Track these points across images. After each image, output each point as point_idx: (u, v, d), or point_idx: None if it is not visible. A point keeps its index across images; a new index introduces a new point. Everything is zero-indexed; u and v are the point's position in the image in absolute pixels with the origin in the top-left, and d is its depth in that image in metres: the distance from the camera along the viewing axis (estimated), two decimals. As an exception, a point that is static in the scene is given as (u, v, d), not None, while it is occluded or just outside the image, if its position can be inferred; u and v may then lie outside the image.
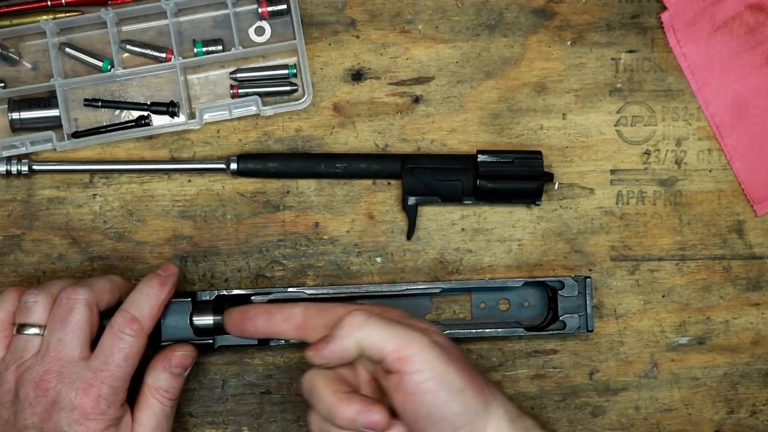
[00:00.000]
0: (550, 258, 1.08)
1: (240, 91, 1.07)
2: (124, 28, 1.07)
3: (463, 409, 0.88)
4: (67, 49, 1.06)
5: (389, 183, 1.08)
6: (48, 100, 1.05)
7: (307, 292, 1.04)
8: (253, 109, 1.06)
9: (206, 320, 1.01)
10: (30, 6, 1.06)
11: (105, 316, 0.97)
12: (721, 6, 1.08)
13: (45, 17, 1.05)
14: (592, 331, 1.05)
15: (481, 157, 1.05)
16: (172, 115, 1.07)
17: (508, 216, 1.08)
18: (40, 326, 0.96)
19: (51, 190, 1.07)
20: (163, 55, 1.06)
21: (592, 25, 1.09)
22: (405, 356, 0.88)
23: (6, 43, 1.06)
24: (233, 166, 1.05)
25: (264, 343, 1.04)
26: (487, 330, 1.05)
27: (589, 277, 1.05)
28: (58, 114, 1.05)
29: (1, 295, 0.98)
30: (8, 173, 1.05)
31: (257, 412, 1.07)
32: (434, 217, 1.08)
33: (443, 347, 0.89)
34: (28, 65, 1.07)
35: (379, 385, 0.91)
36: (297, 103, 1.06)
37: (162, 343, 1.00)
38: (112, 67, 1.05)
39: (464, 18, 1.09)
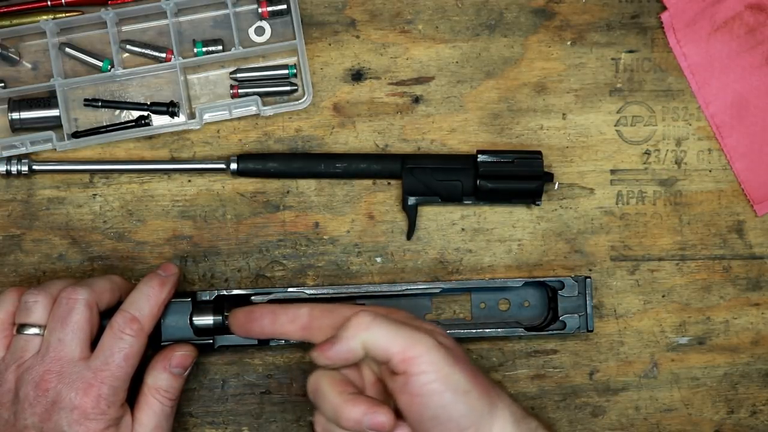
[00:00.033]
0: (550, 258, 1.08)
1: (240, 91, 1.07)
2: (124, 28, 1.07)
3: (468, 410, 0.88)
4: (67, 49, 1.06)
5: (389, 183, 1.08)
6: (48, 100, 1.05)
7: (307, 292, 1.04)
8: (253, 109, 1.06)
9: (206, 320, 1.01)
10: (30, 6, 1.06)
11: (105, 316, 0.97)
12: (721, 6, 1.08)
13: (45, 17, 1.05)
14: (592, 331, 1.05)
15: (481, 157, 1.05)
16: (172, 115, 1.07)
17: (508, 216, 1.08)
18: (40, 326, 0.96)
19: (51, 190, 1.07)
20: (163, 55, 1.06)
21: (592, 25, 1.09)
22: (411, 357, 0.88)
23: (6, 43, 1.06)
24: (233, 166, 1.05)
25: (264, 343, 1.04)
26: (487, 330, 1.05)
27: (589, 277, 1.05)
28: (58, 114, 1.05)
29: (1, 295, 0.98)
30: (8, 173, 1.05)
31: (257, 412, 1.07)
32: (434, 217, 1.08)
33: (449, 348, 0.89)
34: (28, 65, 1.07)
35: (384, 387, 0.91)
36: (297, 103, 1.06)
37: (162, 343, 1.00)
38: (112, 67, 1.05)
39: (464, 18, 1.09)
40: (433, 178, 1.05)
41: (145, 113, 1.07)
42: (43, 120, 1.05)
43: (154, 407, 0.97)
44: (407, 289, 1.05)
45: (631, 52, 1.09)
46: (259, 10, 1.07)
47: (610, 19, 1.09)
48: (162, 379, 0.97)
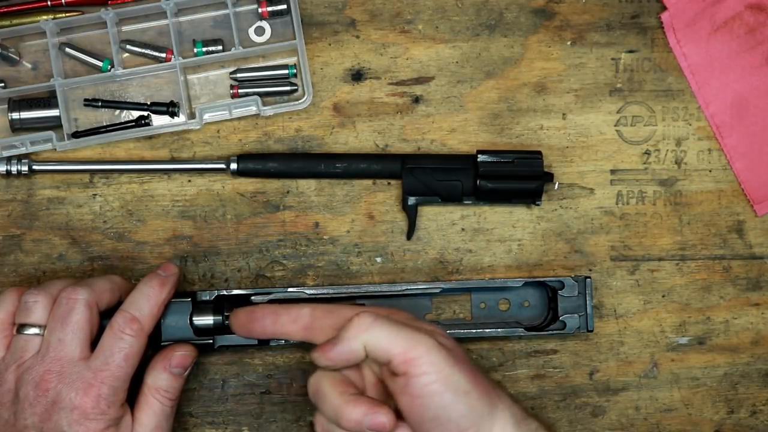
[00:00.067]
0: (550, 258, 1.08)
1: (240, 91, 1.07)
2: (124, 28, 1.07)
3: (468, 411, 0.88)
4: (67, 49, 1.06)
5: (389, 183, 1.08)
6: (48, 100, 1.05)
7: (307, 292, 1.04)
8: (253, 109, 1.06)
9: (206, 320, 1.01)
10: (30, 6, 1.06)
11: (105, 316, 0.97)
12: (721, 6, 1.08)
13: (45, 17, 1.05)
14: (592, 331, 1.05)
15: (481, 157, 1.05)
16: (172, 115, 1.07)
17: (508, 216, 1.08)
18: (40, 326, 0.96)
19: (51, 190, 1.07)
20: (163, 55, 1.06)
21: (592, 25, 1.09)
22: (412, 358, 0.88)
23: (6, 43, 1.06)
24: (233, 166, 1.05)
25: (264, 343, 1.04)
26: (487, 330, 1.05)
27: (589, 277, 1.05)
28: (58, 114, 1.05)
29: (1, 295, 0.98)
30: (8, 173, 1.05)
31: (257, 412, 1.07)
32: (434, 217, 1.08)
33: (449, 349, 0.89)
34: (28, 65, 1.07)
35: (384, 388, 0.91)
36: (297, 103, 1.06)
37: (162, 343, 1.00)
38: (112, 67, 1.05)
39: (464, 18, 1.09)
40: (433, 178, 1.05)
41: (145, 113, 1.07)
42: (43, 120, 1.05)
43: (154, 407, 0.97)
44: (407, 289, 1.05)
45: (631, 52, 1.09)
46: (259, 10, 1.07)
47: (610, 19, 1.09)
48: (162, 379, 0.97)
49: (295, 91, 1.07)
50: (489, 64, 1.08)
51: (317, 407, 0.91)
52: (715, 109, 1.08)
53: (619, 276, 1.08)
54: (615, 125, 1.09)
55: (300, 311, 0.93)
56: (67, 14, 1.05)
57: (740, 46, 1.08)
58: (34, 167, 1.05)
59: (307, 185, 1.07)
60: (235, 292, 1.03)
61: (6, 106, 1.05)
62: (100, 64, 1.06)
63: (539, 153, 1.06)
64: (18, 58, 1.07)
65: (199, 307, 1.01)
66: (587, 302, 1.05)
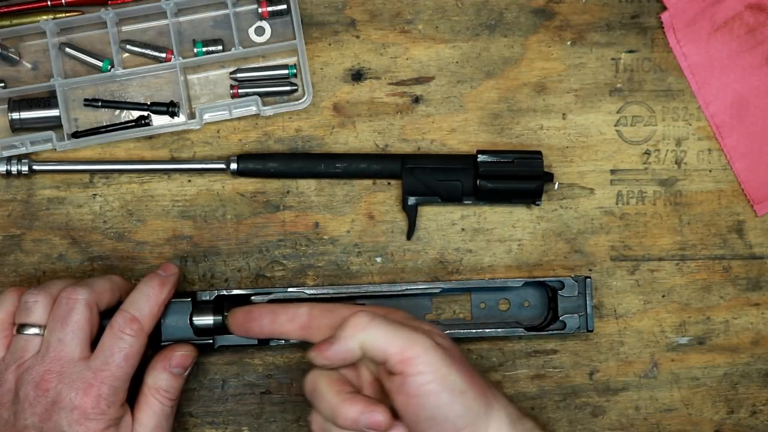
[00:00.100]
0: (550, 258, 1.08)
1: (240, 91, 1.07)
2: (124, 28, 1.07)
3: (464, 410, 0.88)
4: (67, 49, 1.06)
5: (389, 183, 1.08)
6: (48, 100, 1.05)
7: (307, 292, 1.04)
8: (253, 109, 1.06)
9: (206, 320, 1.01)
10: (30, 6, 1.06)
11: (105, 316, 0.97)
12: (721, 6, 1.08)
13: (45, 17, 1.05)
14: (592, 331, 1.05)
15: (481, 157, 1.05)
16: (172, 115, 1.07)
17: (508, 216, 1.08)
18: (40, 326, 0.96)
19: (51, 190, 1.07)
20: (163, 55, 1.06)
21: (592, 25, 1.09)
22: (408, 358, 0.88)
23: (6, 43, 1.06)
24: (233, 166, 1.05)
25: (264, 343, 1.04)
26: (487, 330, 1.05)
27: (589, 277, 1.05)
28: (58, 114, 1.05)
29: (1, 295, 0.98)
30: (8, 173, 1.05)
31: (257, 412, 1.07)
32: (434, 217, 1.08)
33: (446, 349, 0.90)
34: (28, 65, 1.07)
35: (381, 387, 0.91)
36: (297, 103, 1.06)
37: (162, 343, 1.00)
38: (112, 67, 1.05)
39: (464, 18, 1.09)
40: (433, 178, 1.05)
41: (145, 113, 1.07)
42: (43, 120, 1.05)
43: (154, 407, 0.97)
44: (407, 289, 1.05)
45: (631, 52, 1.09)
46: (259, 10, 1.07)
47: (610, 19, 1.09)
48: (162, 379, 0.97)
49: (295, 91, 1.07)
50: (489, 64, 1.08)
51: (313, 406, 0.91)
52: (715, 109, 1.08)
53: (619, 276, 1.08)
54: (615, 125, 1.09)
55: (297, 310, 0.93)
56: (67, 14, 1.05)
57: (740, 46, 1.08)
58: (34, 167, 1.05)
59: (307, 185, 1.07)
60: (235, 292, 1.03)
61: (6, 106, 1.05)
62: (100, 64, 1.06)
63: (539, 153, 1.06)
64: (18, 58, 1.07)
65: (199, 307, 1.01)
66: (587, 302, 1.05)
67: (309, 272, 1.07)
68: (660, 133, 1.09)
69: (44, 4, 1.05)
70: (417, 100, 1.08)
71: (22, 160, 1.05)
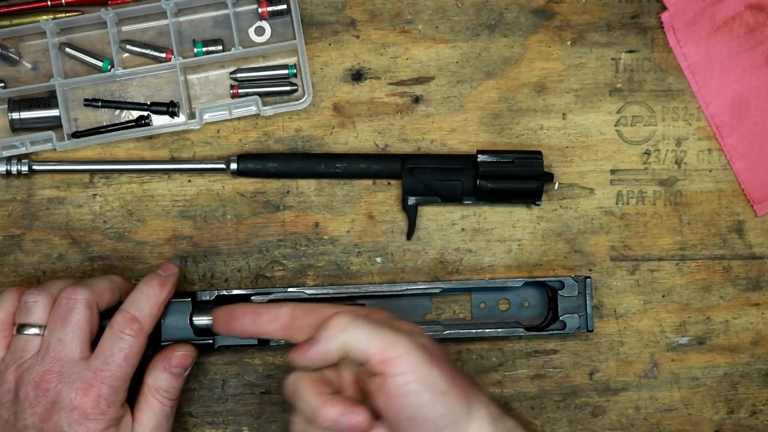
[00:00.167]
0: (550, 258, 1.08)
1: (240, 91, 1.07)
2: (124, 28, 1.07)
3: (445, 410, 0.88)
4: (67, 49, 1.06)
5: (389, 183, 1.08)
6: (48, 100, 1.05)
7: (307, 292, 1.04)
8: (253, 109, 1.06)
9: (206, 320, 1.01)
10: (30, 6, 1.06)
11: (105, 316, 0.97)
12: (721, 6, 1.08)
13: (45, 17, 1.05)
14: (592, 331, 1.05)
15: (481, 157, 1.05)
16: (172, 115, 1.07)
17: (508, 216, 1.08)
18: (40, 326, 0.96)
19: (51, 190, 1.07)
20: (163, 55, 1.06)
21: (592, 25, 1.09)
22: (389, 358, 0.88)
23: (6, 43, 1.06)
24: (233, 166, 1.05)
25: (264, 343, 1.04)
26: (487, 330, 1.05)
27: (589, 277, 1.05)
28: (58, 114, 1.05)
29: (1, 295, 0.98)
30: (8, 173, 1.05)
31: (257, 412, 1.07)
32: (434, 217, 1.08)
33: (427, 349, 0.90)
34: (28, 65, 1.07)
35: (362, 387, 0.91)
36: (297, 103, 1.06)
37: (162, 343, 1.00)
38: (112, 67, 1.05)
39: (464, 18, 1.09)
40: (433, 178, 1.05)
41: (145, 113, 1.07)
42: (43, 120, 1.05)
43: (154, 407, 0.97)
44: (407, 289, 1.05)
45: (631, 52, 1.09)
46: (259, 10, 1.07)
47: (610, 19, 1.09)
48: (162, 379, 0.97)
49: (295, 91, 1.07)
50: (489, 64, 1.08)
51: (294, 407, 0.92)
52: (715, 109, 1.08)
53: (619, 276, 1.08)
54: (615, 125, 1.09)
55: (279, 310, 0.94)
56: (67, 14, 1.05)
57: (740, 46, 1.08)
58: (34, 167, 1.05)
59: (307, 185, 1.07)
60: (235, 292, 1.03)
61: (6, 106, 1.05)
62: (100, 64, 1.06)
63: (539, 153, 1.06)
64: (18, 58, 1.07)
65: (199, 307, 1.01)
66: (587, 302, 1.05)
67: (309, 272, 1.07)
68: (660, 133, 1.09)
69: (44, 4, 1.05)
70: (417, 100, 1.08)
71: (22, 160, 1.05)
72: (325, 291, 1.04)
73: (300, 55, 1.06)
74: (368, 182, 1.08)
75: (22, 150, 1.05)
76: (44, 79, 1.06)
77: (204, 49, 1.06)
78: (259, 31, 1.07)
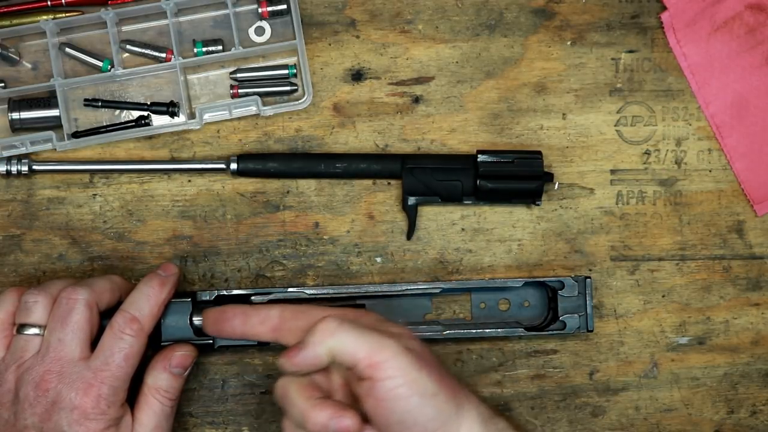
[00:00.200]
0: (550, 258, 1.08)
1: (240, 91, 1.07)
2: (124, 28, 1.07)
3: (435, 413, 0.88)
4: (67, 49, 1.06)
5: (389, 183, 1.08)
6: (48, 100, 1.05)
7: (307, 292, 1.04)
8: (253, 109, 1.06)
9: (206, 320, 1.01)
10: (30, 6, 1.06)
11: (105, 316, 0.97)
12: (721, 6, 1.08)
13: (45, 17, 1.05)
14: (592, 331, 1.05)
15: (481, 157, 1.05)
16: (172, 115, 1.07)
17: (508, 216, 1.08)
18: (40, 326, 0.96)
19: (51, 190, 1.07)
20: (163, 55, 1.06)
21: (592, 25, 1.09)
22: (377, 363, 0.88)
23: (6, 43, 1.06)
24: (233, 166, 1.05)
25: (264, 344, 1.04)
26: (487, 330, 1.05)
27: (589, 277, 1.05)
28: (58, 114, 1.05)
29: (1, 295, 0.98)
30: (8, 173, 1.05)
31: (257, 412, 1.07)
32: (434, 217, 1.08)
33: (415, 352, 0.89)
34: (28, 65, 1.07)
35: (352, 391, 0.91)
36: (297, 103, 1.06)
37: (162, 343, 1.00)
38: (112, 67, 1.05)
39: (464, 18, 1.09)
40: (433, 178, 1.05)
41: (145, 113, 1.07)
42: (43, 120, 1.05)
43: (154, 407, 0.97)
44: (407, 289, 1.05)
45: (631, 52, 1.09)
46: (259, 10, 1.07)
47: (610, 19, 1.09)
48: (162, 379, 0.97)
49: (295, 91, 1.07)
50: (489, 64, 1.08)
51: (284, 412, 0.91)
52: (715, 109, 1.08)
53: (619, 276, 1.08)
54: (615, 125, 1.09)
55: (269, 312, 0.94)
56: (67, 14, 1.05)
57: (740, 46, 1.08)
58: (34, 167, 1.05)
59: (307, 185, 1.07)
60: (235, 292, 1.03)
61: (6, 106, 1.05)
62: (100, 64, 1.06)
63: (539, 153, 1.06)
64: (18, 58, 1.07)
65: (199, 307, 1.01)
66: (587, 302, 1.05)
67: (309, 272, 1.07)
68: (660, 133, 1.09)
69: (44, 4, 1.05)
70: (417, 100, 1.08)
71: (22, 160, 1.05)
72: (325, 291, 1.04)
73: (300, 55, 1.06)
74: (368, 182, 1.08)
75: (22, 150, 1.05)
76: (44, 79, 1.06)
77: (204, 49, 1.06)
78: (259, 31, 1.07)
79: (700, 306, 1.08)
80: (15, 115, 1.05)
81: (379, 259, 1.07)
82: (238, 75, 1.07)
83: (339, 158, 1.06)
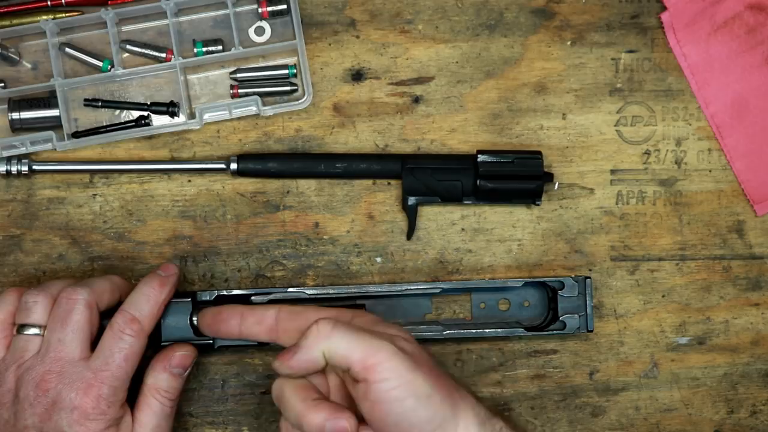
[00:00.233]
0: (550, 258, 1.08)
1: (240, 91, 1.07)
2: (124, 28, 1.07)
3: (431, 415, 0.88)
4: (67, 49, 1.06)
5: (389, 183, 1.08)
6: (48, 100, 1.05)
7: (307, 292, 1.04)
8: (253, 109, 1.06)
9: (206, 320, 1.01)
10: (30, 6, 1.06)
11: (105, 316, 0.97)
12: (721, 6, 1.08)
13: (45, 17, 1.05)
14: (592, 331, 1.05)
15: (481, 157, 1.05)
16: (172, 115, 1.07)
17: (508, 216, 1.08)
18: (40, 326, 0.96)
19: (51, 190, 1.07)
20: (163, 55, 1.06)
21: (592, 25, 1.09)
22: (371, 365, 0.87)
23: (6, 43, 1.06)
24: (233, 166, 1.05)
25: (264, 344, 1.04)
26: (487, 330, 1.05)
27: (589, 277, 1.05)
28: (58, 114, 1.05)
29: (1, 295, 0.98)
30: (8, 173, 1.05)
31: (257, 412, 1.07)
32: (434, 217, 1.08)
33: (410, 354, 0.89)
34: (28, 65, 1.07)
35: (349, 391, 0.91)
36: (297, 103, 1.06)
37: (162, 343, 1.00)
38: (112, 67, 1.05)
39: (464, 18, 1.09)
40: (433, 178, 1.05)
41: (145, 113, 1.07)
42: (43, 120, 1.05)
43: (154, 407, 0.97)
44: (407, 289, 1.05)
45: (631, 52, 1.09)
46: (259, 10, 1.07)
47: (610, 19, 1.09)
48: (162, 379, 0.97)
49: (295, 91, 1.07)
50: (489, 64, 1.08)
51: (281, 413, 0.91)
52: (715, 109, 1.08)
53: (619, 276, 1.08)
54: (615, 125, 1.09)
55: (265, 313, 0.94)
56: (67, 14, 1.05)
57: (740, 46, 1.08)
58: (34, 167, 1.05)
59: (307, 185, 1.07)
60: (235, 292, 1.03)
61: (6, 106, 1.05)
62: (100, 64, 1.06)
63: (539, 153, 1.06)
64: (18, 58, 1.07)
65: (199, 307, 1.01)
66: (587, 302, 1.05)
67: (309, 272, 1.07)
68: (660, 133, 1.09)
69: (44, 4, 1.05)
70: (417, 100, 1.08)
71: (22, 160, 1.05)
72: (325, 291, 1.04)
73: (300, 55, 1.06)
74: (368, 182, 1.08)
75: (22, 150, 1.05)
76: (44, 79, 1.06)
77: (204, 49, 1.06)
78: (259, 31, 1.07)
79: (700, 306, 1.09)
80: (15, 115, 1.05)
81: (379, 259, 1.07)
82: (238, 75, 1.07)
83: (339, 158, 1.06)
